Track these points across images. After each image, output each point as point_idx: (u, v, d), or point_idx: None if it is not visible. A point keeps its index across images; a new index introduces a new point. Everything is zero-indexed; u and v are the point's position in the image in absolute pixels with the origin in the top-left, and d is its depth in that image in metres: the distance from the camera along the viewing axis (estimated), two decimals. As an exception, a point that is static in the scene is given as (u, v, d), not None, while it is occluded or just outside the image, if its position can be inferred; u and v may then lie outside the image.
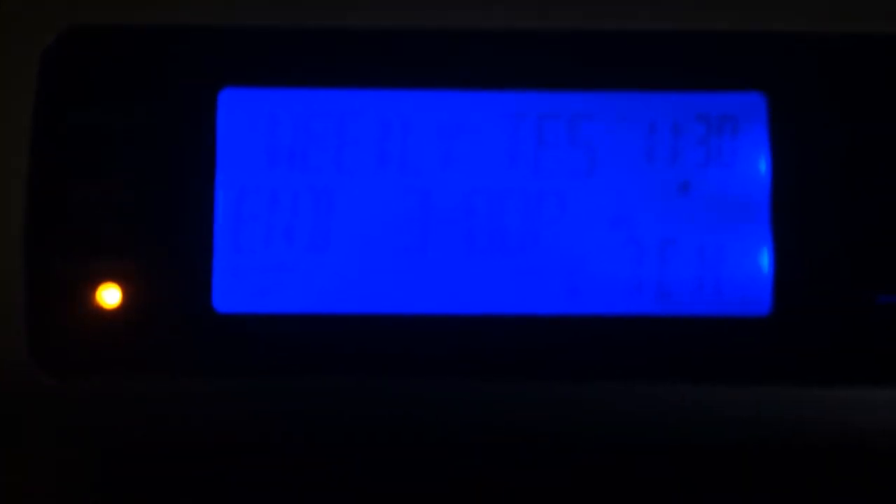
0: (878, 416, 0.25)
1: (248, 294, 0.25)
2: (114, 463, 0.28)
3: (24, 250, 0.24)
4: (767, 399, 0.25)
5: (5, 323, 0.24)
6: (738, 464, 0.27)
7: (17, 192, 0.24)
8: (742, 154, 0.25)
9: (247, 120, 0.25)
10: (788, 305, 0.25)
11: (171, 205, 0.25)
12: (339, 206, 0.25)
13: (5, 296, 0.24)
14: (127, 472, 0.28)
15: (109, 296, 0.24)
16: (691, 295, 0.25)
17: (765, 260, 0.25)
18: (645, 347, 0.25)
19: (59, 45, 0.25)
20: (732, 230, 0.25)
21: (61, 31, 0.25)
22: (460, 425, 0.25)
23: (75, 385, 0.24)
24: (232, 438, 0.25)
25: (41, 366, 0.24)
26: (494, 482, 0.27)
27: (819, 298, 0.25)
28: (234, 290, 0.25)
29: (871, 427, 0.25)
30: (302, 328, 0.25)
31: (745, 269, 0.25)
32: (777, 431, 0.25)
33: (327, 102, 0.25)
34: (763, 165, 0.25)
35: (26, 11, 0.25)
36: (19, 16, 0.25)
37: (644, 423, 0.25)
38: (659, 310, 0.25)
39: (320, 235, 0.25)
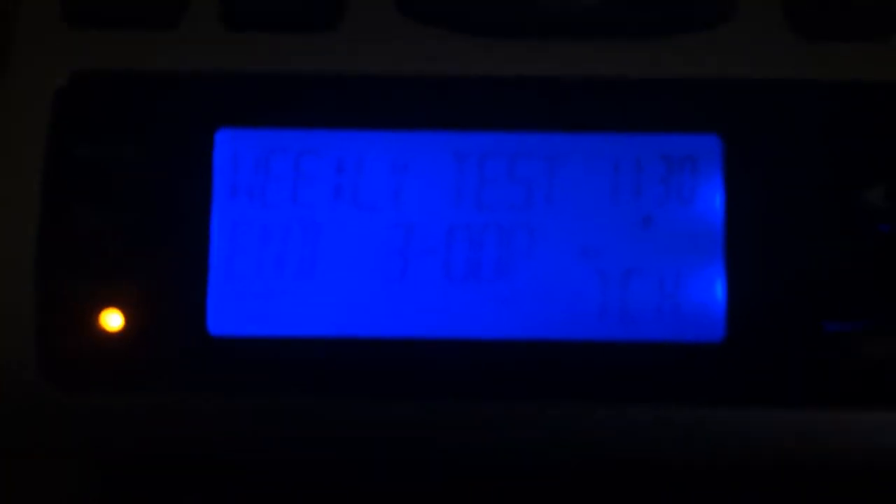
0: (823, 438, 0.26)
1: (239, 318, 0.26)
2: (113, 472, 0.29)
3: (35, 276, 0.26)
4: (720, 419, 0.26)
5: (17, 342, 0.26)
6: (693, 480, 0.28)
7: (28, 221, 0.26)
8: (699, 191, 0.27)
9: (240, 158, 0.27)
10: (741, 332, 0.26)
11: (170, 236, 0.26)
12: (323, 239, 0.27)
13: (17, 318, 0.26)
14: (125, 482, 0.29)
15: (112, 319, 0.26)
16: (651, 321, 0.26)
17: (719, 290, 0.26)
18: (608, 370, 0.26)
19: (71, 87, 0.27)
20: (690, 261, 0.27)
21: (73, 75, 0.27)
22: (436, 441, 0.27)
23: (80, 400, 0.26)
24: (223, 452, 0.27)
25: (49, 382, 0.26)
26: (470, 495, 0.29)
27: (770, 326, 0.26)
28: (226, 315, 0.26)
29: (816, 447, 0.26)
30: (288, 350, 0.26)
31: (701, 297, 0.27)
32: (728, 450, 0.26)
33: (313, 142, 0.27)
34: (718, 202, 0.27)
35: (42, 56, 0.27)
36: (36, 60, 0.27)
37: (606, 441, 0.27)
38: (621, 335, 0.27)
39: (306, 265, 0.26)
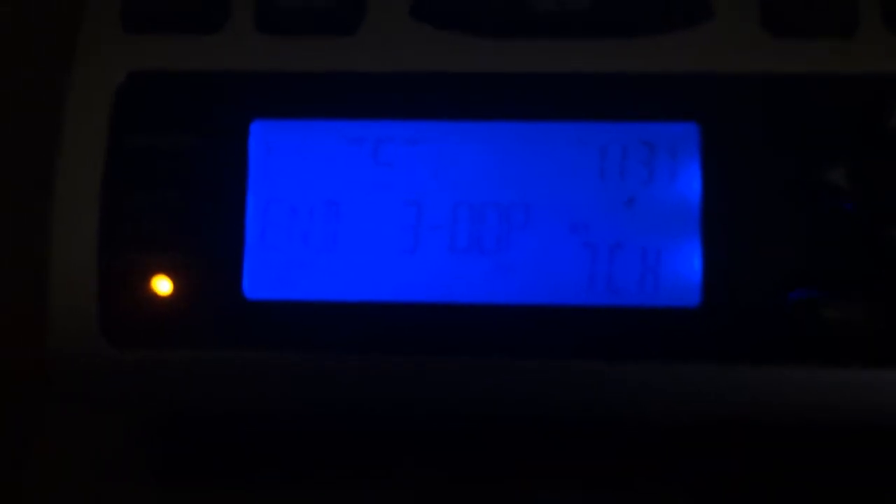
0: (786, 393, 0.29)
1: (272, 284, 0.30)
2: (163, 422, 0.33)
3: (97, 247, 0.29)
4: (696, 376, 0.29)
5: (81, 307, 0.29)
6: (672, 434, 0.31)
7: (92, 200, 0.30)
8: (679, 174, 0.30)
9: (272, 145, 0.30)
10: (715, 299, 0.29)
11: (212, 213, 0.30)
12: (344, 215, 0.30)
13: (81, 283, 0.29)
14: (173, 431, 0.33)
15: (162, 285, 0.30)
16: (635, 289, 0.29)
17: (696, 261, 0.29)
18: (596, 333, 0.29)
19: (128, 84, 0.31)
20: (670, 237, 0.29)
21: (130, 74, 0.30)
22: (441, 397, 0.30)
23: (135, 357, 0.30)
24: (255, 403, 0.30)
25: (109, 341, 0.30)
26: (475, 451, 0.32)
27: (741, 293, 0.29)
28: (261, 281, 0.30)
29: (783, 401, 0.29)
30: (314, 311, 0.29)
31: (679, 268, 0.29)
32: (703, 404, 0.29)
33: (336, 131, 0.30)
34: (696, 183, 0.29)
35: (103, 58, 0.31)
36: (98, 61, 0.31)
37: (595, 395, 0.30)
38: (608, 301, 0.29)
39: (330, 238, 0.30)
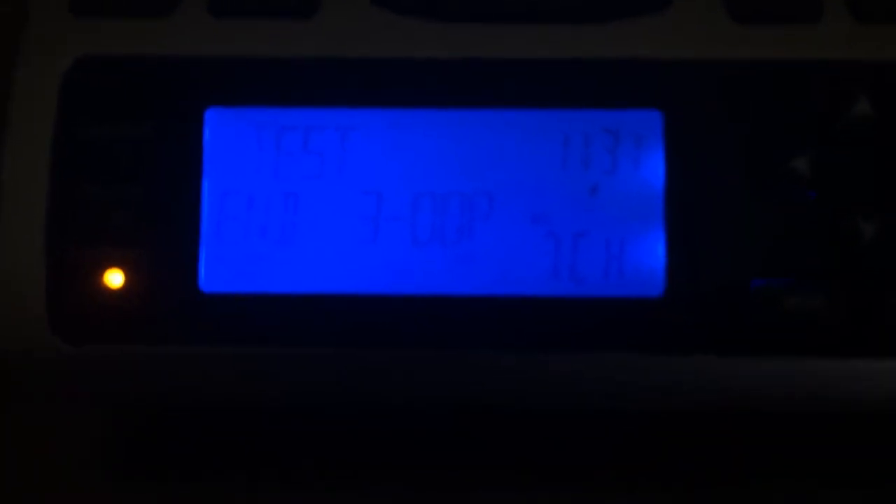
0: (749, 382, 0.29)
1: (229, 277, 0.29)
2: (114, 418, 0.32)
3: (45, 240, 0.29)
4: (660, 367, 0.29)
5: (29, 300, 0.29)
6: (634, 424, 0.31)
7: (39, 192, 0.29)
8: (642, 162, 0.30)
9: (228, 134, 0.30)
10: (678, 288, 0.29)
11: (166, 203, 0.29)
12: (302, 206, 0.29)
13: (29, 278, 0.29)
14: (124, 427, 0.32)
15: (114, 278, 0.29)
16: (598, 279, 0.29)
17: (659, 250, 0.29)
18: (560, 323, 0.29)
19: (76, 70, 0.30)
20: (633, 226, 0.29)
21: (77, 59, 0.29)
22: (403, 390, 0.29)
23: (85, 352, 0.29)
24: (211, 398, 0.30)
25: (58, 335, 0.29)
26: (440, 443, 0.32)
27: (704, 283, 0.29)
28: (217, 274, 0.29)
29: (741, 390, 0.29)
30: (272, 305, 0.29)
31: (642, 258, 0.29)
32: (667, 394, 0.29)
33: (292, 119, 0.29)
34: (659, 171, 0.29)
35: (50, 43, 0.30)
36: (44, 46, 0.29)
37: (557, 389, 0.29)
38: (572, 291, 0.29)
39: (288, 230, 0.29)
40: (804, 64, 0.29)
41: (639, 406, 0.30)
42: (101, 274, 0.29)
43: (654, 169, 0.29)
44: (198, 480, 0.31)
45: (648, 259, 0.29)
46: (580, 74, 0.29)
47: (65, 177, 0.29)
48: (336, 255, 0.29)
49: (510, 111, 0.30)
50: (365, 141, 0.30)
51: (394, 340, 0.29)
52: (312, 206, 0.29)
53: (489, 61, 0.30)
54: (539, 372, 0.29)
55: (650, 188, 0.29)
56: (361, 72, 0.30)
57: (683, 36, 0.30)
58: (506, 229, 0.29)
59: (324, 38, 0.30)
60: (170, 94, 0.29)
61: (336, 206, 0.29)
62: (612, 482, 0.31)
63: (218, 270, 0.29)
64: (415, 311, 0.29)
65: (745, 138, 0.29)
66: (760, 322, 0.29)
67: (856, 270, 0.29)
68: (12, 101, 0.29)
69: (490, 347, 0.29)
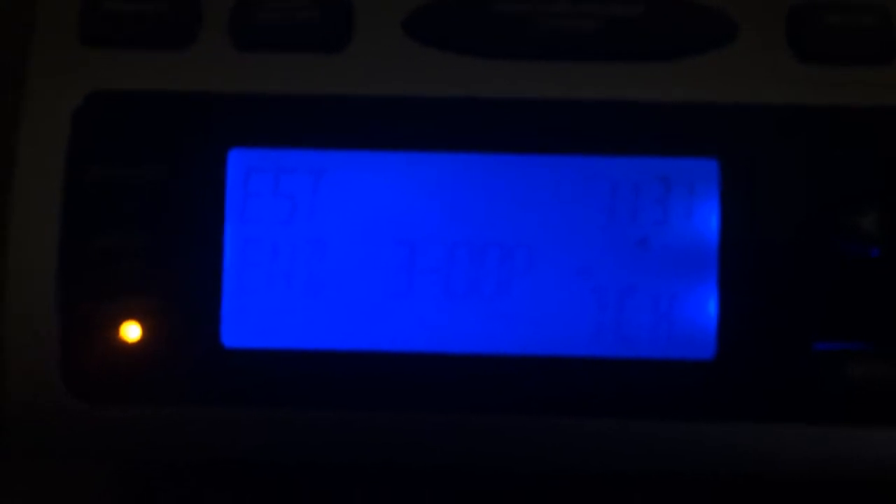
0: (810, 452, 0.27)
1: (252, 331, 0.27)
2: (131, 476, 0.31)
3: (57, 291, 0.27)
4: (710, 434, 0.27)
5: (41, 355, 0.27)
6: (686, 490, 0.30)
7: (51, 239, 0.27)
8: (695, 213, 0.28)
9: (252, 177, 0.28)
10: (731, 350, 0.27)
11: (185, 251, 0.27)
12: (331, 255, 0.28)
13: (41, 331, 0.27)
14: (141, 486, 0.31)
15: (131, 331, 0.27)
16: (645, 339, 0.27)
17: (711, 309, 0.27)
18: (604, 386, 0.27)
19: (87, 107, 0.28)
20: (684, 282, 0.27)
21: (89, 95, 0.28)
22: (435, 455, 0.28)
23: (100, 409, 0.27)
24: (232, 458, 0.28)
25: (72, 392, 0.27)
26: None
27: (760, 344, 0.27)
28: (239, 328, 0.27)
29: (802, 461, 0.28)
30: (297, 362, 0.27)
31: (693, 316, 0.28)
32: (717, 463, 0.28)
33: (322, 161, 0.27)
34: (713, 224, 0.27)
35: (58, 76, 0.28)
36: (52, 80, 0.28)
37: (600, 454, 0.28)
38: (616, 352, 0.27)
39: (315, 281, 0.28)
40: (873, 109, 0.27)
41: (685, 473, 0.28)
42: (116, 327, 0.27)
43: (707, 221, 0.27)
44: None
45: (699, 318, 0.27)
46: (630, 118, 0.28)
47: (77, 223, 0.27)
48: (365, 310, 0.28)
49: (554, 157, 0.28)
50: (398, 187, 0.28)
51: (424, 403, 0.27)
52: (341, 255, 0.28)
53: (530, 102, 0.28)
54: (580, 438, 0.28)
55: (703, 242, 0.27)
56: (394, 111, 0.28)
57: (743, 76, 0.28)
58: (547, 284, 0.27)
59: (354, 74, 0.28)
60: (190, 133, 0.27)
61: (367, 257, 0.28)
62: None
63: (240, 324, 0.27)
64: (449, 371, 0.27)
65: (807, 190, 0.27)
66: (821, 389, 0.27)
67: (923, 336, 0.27)
68: (19, 141, 0.27)
69: (529, 412, 0.28)
